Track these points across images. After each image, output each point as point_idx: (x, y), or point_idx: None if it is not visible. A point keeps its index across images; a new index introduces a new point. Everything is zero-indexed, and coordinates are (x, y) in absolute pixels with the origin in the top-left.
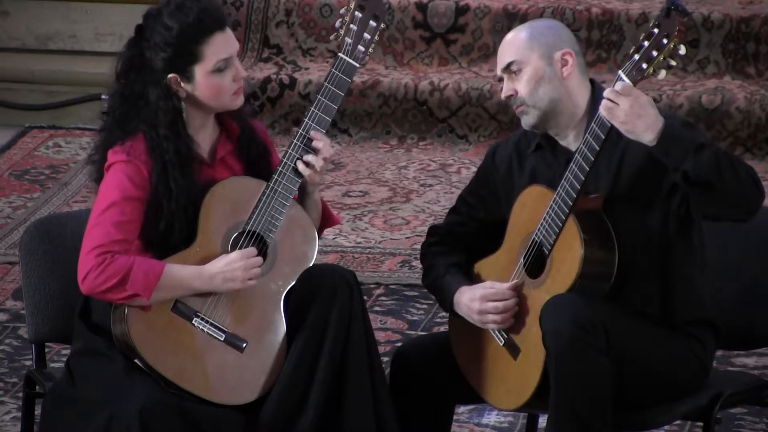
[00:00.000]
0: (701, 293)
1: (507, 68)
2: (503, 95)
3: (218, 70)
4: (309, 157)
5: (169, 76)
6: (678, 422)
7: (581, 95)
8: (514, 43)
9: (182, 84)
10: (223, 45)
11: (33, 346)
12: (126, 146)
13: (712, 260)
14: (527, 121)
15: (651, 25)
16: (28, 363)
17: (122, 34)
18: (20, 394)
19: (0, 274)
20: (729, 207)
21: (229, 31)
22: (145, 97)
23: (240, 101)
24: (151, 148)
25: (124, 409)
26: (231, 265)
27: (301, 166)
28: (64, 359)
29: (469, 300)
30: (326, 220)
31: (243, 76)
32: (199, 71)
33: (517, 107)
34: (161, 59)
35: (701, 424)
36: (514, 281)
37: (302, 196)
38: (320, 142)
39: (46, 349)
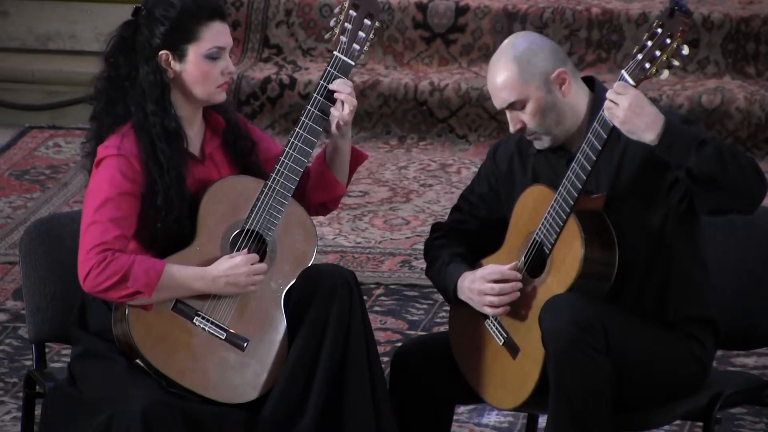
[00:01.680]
0: (701, 292)
1: (509, 107)
2: (512, 129)
3: (211, 56)
4: (336, 94)
5: (161, 52)
6: (678, 422)
7: (581, 101)
8: (508, 83)
9: (172, 63)
10: (221, 34)
11: (33, 346)
12: (116, 140)
13: (712, 260)
14: (541, 145)
15: (654, 24)
16: (28, 363)
17: None
18: (20, 394)
19: (0, 274)
20: (734, 199)
21: (227, 26)
22: (132, 78)
23: (223, 97)
24: (139, 129)
25: (126, 410)
26: (235, 269)
27: (332, 110)
28: (64, 359)
29: (470, 282)
30: (357, 157)
31: (231, 71)
32: (193, 52)
33: (528, 135)
34: (159, 33)
35: (701, 424)
36: (514, 263)
37: (336, 146)
38: (339, 87)
39: (46, 349)
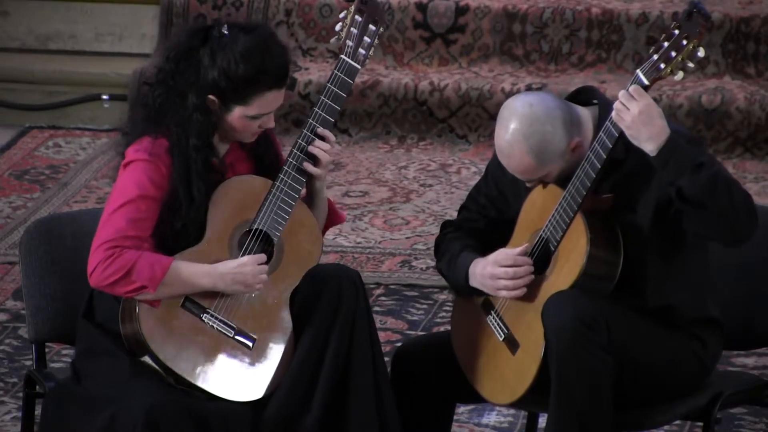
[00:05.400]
0: (703, 292)
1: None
2: (530, 186)
3: (254, 117)
4: (315, 150)
5: (211, 96)
6: (678, 422)
7: (589, 136)
8: (526, 170)
9: (217, 108)
10: (272, 101)
11: (33, 346)
12: (148, 144)
13: (713, 260)
14: None
15: (671, 26)
16: (28, 363)
17: (122, 34)
18: (20, 394)
19: (0, 274)
20: (718, 230)
21: (283, 90)
22: (183, 97)
23: (254, 138)
24: (175, 151)
25: (130, 408)
26: (242, 268)
27: (306, 165)
28: (64, 359)
29: (482, 267)
30: (332, 218)
31: (269, 127)
32: (239, 111)
33: None
34: (213, 80)
35: (701, 424)
36: (525, 245)
37: (311, 196)
38: (325, 137)
39: (46, 349)
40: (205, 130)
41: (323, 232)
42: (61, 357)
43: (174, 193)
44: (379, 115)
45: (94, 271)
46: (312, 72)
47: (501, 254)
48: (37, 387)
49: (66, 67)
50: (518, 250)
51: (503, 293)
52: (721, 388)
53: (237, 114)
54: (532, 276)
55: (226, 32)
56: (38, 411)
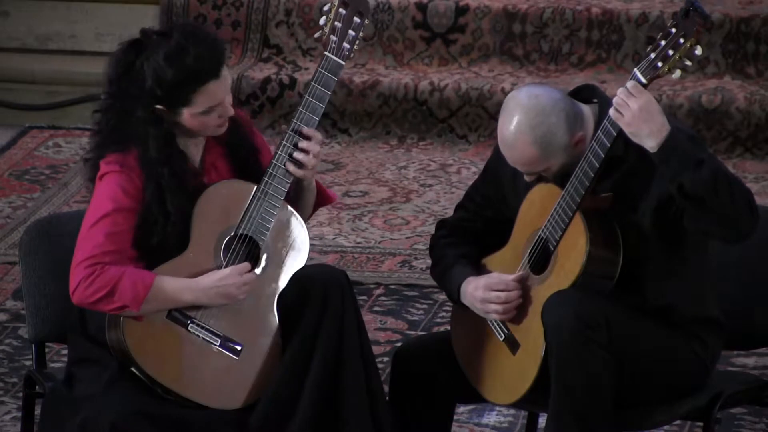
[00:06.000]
0: (703, 292)
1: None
2: (528, 180)
3: (206, 112)
4: (299, 155)
5: (157, 105)
6: (678, 422)
7: (590, 131)
8: (529, 162)
9: (167, 114)
10: (214, 93)
11: (33, 346)
12: (119, 156)
13: (713, 259)
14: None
15: (669, 24)
16: (28, 363)
17: (122, 34)
18: (20, 394)
19: (0, 274)
20: (719, 226)
21: (223, 75)
22: (133, 114)
23: (223, 130)
24: (143, 166)
25: (96, 419)
26: (225, 281)
27: (291, 167)
28: (64, 359)
29: (474, 289)
30: (321, 199)
31: (230, 115)
32: (187, 112)
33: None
34: (151, 90)
35: (701, 424)
36: (520, 273)
37: (299, 191)
38: (311, 137)
39: (46, 349)
40: (163, 141)
41: (312, 213)
42: (61, 357)
43: (149, 208)
44: (379, 115)
45: (77, 289)
46: (312, 72)
47: (494, 278)
48: (37, 387)
49: (66, 67)
50: (511, 277)
51: (493, 317)
52: (721, 388)
53: (186, 115)
54: (521, 300)
55: (154, 39)
56: (38, 411)
